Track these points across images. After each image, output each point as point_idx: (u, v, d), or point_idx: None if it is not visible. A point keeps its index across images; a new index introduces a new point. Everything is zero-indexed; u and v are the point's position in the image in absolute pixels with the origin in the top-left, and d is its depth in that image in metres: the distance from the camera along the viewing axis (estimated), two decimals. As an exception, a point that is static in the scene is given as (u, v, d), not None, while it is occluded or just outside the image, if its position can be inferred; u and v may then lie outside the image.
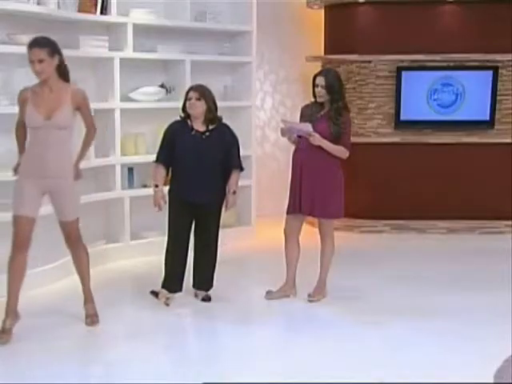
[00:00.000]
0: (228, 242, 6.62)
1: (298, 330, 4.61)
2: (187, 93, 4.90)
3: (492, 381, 3.57)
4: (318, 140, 4.79)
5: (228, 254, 6.36)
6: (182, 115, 4.94)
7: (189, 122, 4.89)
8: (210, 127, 4.89)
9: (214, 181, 4.89)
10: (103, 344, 4.27)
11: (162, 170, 4.92)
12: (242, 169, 5.01)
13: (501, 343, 4.10)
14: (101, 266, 5.75)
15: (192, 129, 4.87)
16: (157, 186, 4.89)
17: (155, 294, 5.00)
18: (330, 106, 4.89)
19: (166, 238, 4.96)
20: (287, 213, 5.04)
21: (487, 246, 6.85)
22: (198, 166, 4.81)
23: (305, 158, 4.92)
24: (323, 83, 4.85)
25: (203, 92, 4.87)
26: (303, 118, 4.99)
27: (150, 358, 4.09)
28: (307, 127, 4.81)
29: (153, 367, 3.93)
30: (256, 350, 4.27)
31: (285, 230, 5.10)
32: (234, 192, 4.95)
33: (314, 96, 4.95)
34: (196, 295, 5.08)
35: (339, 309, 4.90)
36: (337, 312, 4.82)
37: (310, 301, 5.03)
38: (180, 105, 4.97)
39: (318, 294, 5.09)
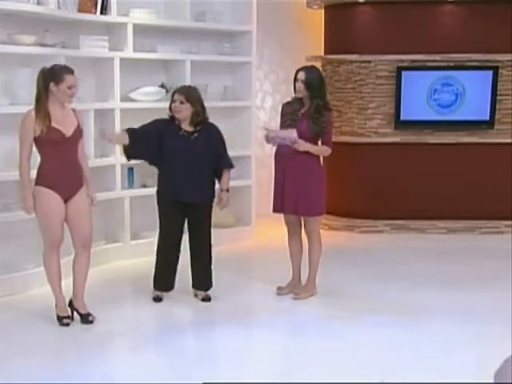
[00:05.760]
0: (228, 242, 6.64)
1: (298, 330, 4.61)
2: (172, 94, 4.89)
3: (492, 381, 3.56)
4: (302, 146, 4.81)
5: (228, 254, 6.37)
6: (169, 115, 4.92)
7: (176, 121, 4.88)
8: (198, 127, 4.88)
9: (205, 180, 4.91)
10: (103, 344, 4.27)
11: (126, 136, 4.80)
12: (232, 166, 5.03)
13: (501, 343, 4.10)
14: (101, 266, 5.76)
15: (180, 129, 4.87)
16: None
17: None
18: (309, 103, 4.90)
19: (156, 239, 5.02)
20: (273, 211, 5.11)
21: (487, 246, 6.85)
22: (189, 167, 4.81)
23: (287, 158, 4.92)
24: (303, 78, 4.86)
25: (189, 95, 4.84)
26: (284, 117, 4.99)
27: (150, 358, 4.09)
28: (292, 133, 4.80)
29: (152, 368, 3.93)
30: (256, 350, 4.28)
31: (287, 228, 5.15)
32: (227, 190, 4.97)
33: (295, 90, 4.96)
34: (196, 295, 5.09)
35: (340, 309, 4.90)
36: (337, 312, 4.82)
37: (295, 298, 5.06)
38: None
39: (306, 291, 5.11)
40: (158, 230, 4.98)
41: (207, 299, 5.03)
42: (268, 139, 4.94)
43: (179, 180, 4.82)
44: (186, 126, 4.87)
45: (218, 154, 4.93)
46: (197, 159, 4.82)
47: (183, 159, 4.80)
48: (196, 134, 4.86)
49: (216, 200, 5.02)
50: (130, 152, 4.91)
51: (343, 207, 7.48)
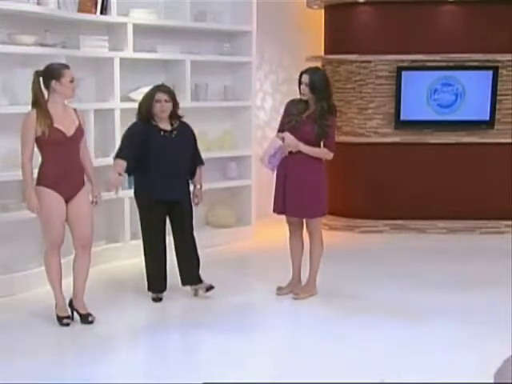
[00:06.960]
0: (228, 242, 6.65)
1: (298, 330, 4.62)
2: (153, 94, 4.84)
3: (492, 381, 3.57)
4: (295, 146, 4.80)
5: (228, 254, 6.37)
6: (140, 116, 4.91)
7: (153, 122, 4.88)
8: (174, 125, 4.93)
9: (185, 177, 5.03)
10: (103, 344, 4.27)
11: (123, 163, 4.82)
12: (203, 163, 5.16)
13: (501, 343, 4.11)
14: (101, 266, 5.76)
15: (160, 129, 4.88)
16: (120, 174, 4.80)
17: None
18: (314, 106, 4.88)
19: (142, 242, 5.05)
20: (273, 211, 5.11)
21: (487, 246, 6.85)
22: (172, 166, 4.86)
23: (289, 160, 4.90)
24: (307, 81, 4.83)
25: (171, 93, 4.91)
26: (288, 117, 4.96)
27: (150, 358, 4.09)
28: (275, 142, 4.84)
29: (152, 368, 3.93)
30: (256, 350, 4.27)
31: (288, 227, 5.16)
32: (201, 186, 5.13)
33: (300, 93, 4.95)
34: (195, 294, 5.09)
35: (340, 309, 4.90)
36: (337, 312, 4.82)
37: (295, 298, 5.06)
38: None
39: (306, 291, 5.11)
40: (141, 233, 5.03)
41: (210, 288, 5.04)
42: (264, 163, 4.94)
43: (165, 179, 4.85)
44: (165, 125, 4.90)
45: (194, 152, 5.05)
46: (179, 158, 4.90)
47: (167, 159, 4.84)
48: (175, 132, 4.91)
49: (191, 196, 5.09)
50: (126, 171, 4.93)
51: (343, 207, 7.48)
